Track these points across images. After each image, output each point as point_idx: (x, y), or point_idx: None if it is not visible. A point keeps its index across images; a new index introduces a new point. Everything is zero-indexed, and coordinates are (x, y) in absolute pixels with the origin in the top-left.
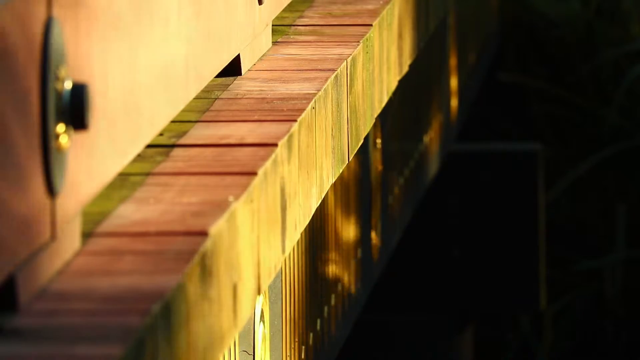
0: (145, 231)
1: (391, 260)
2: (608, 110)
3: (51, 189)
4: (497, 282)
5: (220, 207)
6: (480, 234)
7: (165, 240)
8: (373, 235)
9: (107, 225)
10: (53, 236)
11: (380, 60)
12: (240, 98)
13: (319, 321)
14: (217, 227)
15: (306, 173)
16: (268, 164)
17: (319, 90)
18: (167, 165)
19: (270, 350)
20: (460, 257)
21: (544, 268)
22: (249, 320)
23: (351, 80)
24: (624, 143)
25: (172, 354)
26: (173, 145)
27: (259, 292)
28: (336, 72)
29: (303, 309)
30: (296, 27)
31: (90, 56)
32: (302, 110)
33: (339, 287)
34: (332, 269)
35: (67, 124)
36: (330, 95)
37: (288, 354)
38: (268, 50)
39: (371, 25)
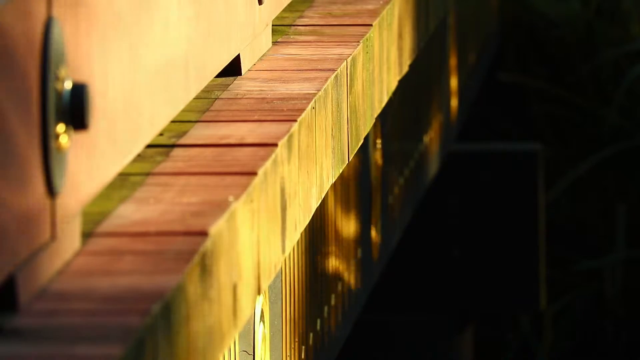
0: (145, 231)
1: (391, 260)
2: (608, 110)
3: (51, 189)
4: (497, 282)
5: (220, 207)
6: (480, 234)
7: (165, 240)
8: (373, 235)
9: (107, 225)
10: (53, 236)
11: (380, 60)
12: (240, 98)
13: (319, 321)
14: (217, 227)
15: (306, 173)
16: (268, 164)
17: (319, 90)
18: (167, 165)
19: (270, 350)
20: (460, 257)
21: (544, 268)
22: (249, 320)
23: (351, 80)
24: (624, 143)
25: (172, 354)
26: (173, 145)
27: (259, 292)
28: (336, 72)
29: (303, 309)
30: (296, 27)
31: (90, 56)
32: (302, 110)
33: (339, 287)
34: (332, 269)
35: (67, 124)
36: (330, 95)
37: (288, 354)
38: (268, 50)
39: (371, 25)
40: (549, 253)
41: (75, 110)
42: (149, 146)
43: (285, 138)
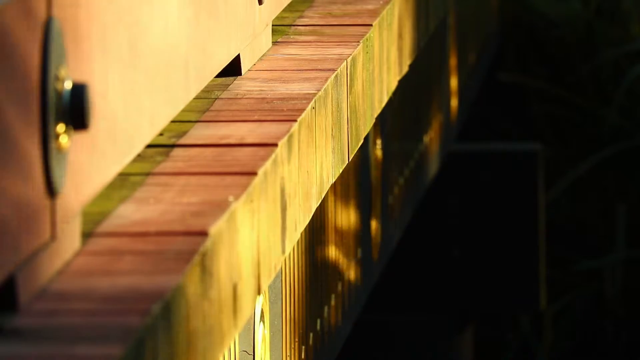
0: (145, 231)
1: (391, 260)
2: (608, 110)
3: (51, 189)
4: (497, 282)
5: (220, 207)
6: (480, 234)
7: (165, 240)
8: (373, 234)
9: (107, 225)
10: (53, 236)
11: (380, 60)
12: (240, 98)
13: (319, 321)
14: (217, 227)
15: (306, 173)
16: (268, 164)
17: (319, 90)
18: (167, 165)
19: (270, 350)
20: (460, 257)
21: (544, 268)
22: (249, 320)
23: (351, 80)
24: (624, 143)
25: (172, 354)
26: (173, 145)
27: (259, 292)
28: (336, 72)
29: (303, 309)
30: (296, 27)
31: (90, 56)
32: (302, 110)
33: (339, 287)
34: (332, 269)
35: (67, 124)
36: (330, 95)
37: (288, 354)
38: (268, 50)
39: (371, 25)
40: (549, 253)
41: (76, 110)
42: (149, 146)
43: (285, 138)
